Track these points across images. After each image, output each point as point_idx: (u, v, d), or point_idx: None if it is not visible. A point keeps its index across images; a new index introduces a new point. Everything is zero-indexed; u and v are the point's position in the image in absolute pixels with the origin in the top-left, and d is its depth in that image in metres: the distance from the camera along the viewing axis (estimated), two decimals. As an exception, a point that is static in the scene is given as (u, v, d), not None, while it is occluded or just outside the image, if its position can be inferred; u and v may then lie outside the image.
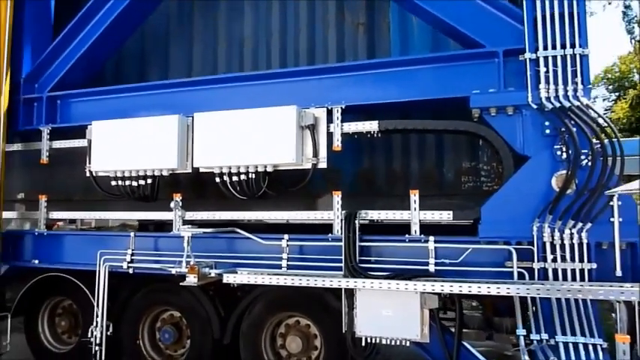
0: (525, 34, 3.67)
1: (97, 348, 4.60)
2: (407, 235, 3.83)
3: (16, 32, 5.16)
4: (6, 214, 5.11)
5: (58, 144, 5.09)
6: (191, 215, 4.46)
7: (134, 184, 4.52)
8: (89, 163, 4.69)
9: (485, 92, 3.76)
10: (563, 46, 3.57)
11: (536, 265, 3.48)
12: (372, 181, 4.88)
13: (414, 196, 3.88)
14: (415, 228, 3.84)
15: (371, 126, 4.05)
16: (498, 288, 3.33)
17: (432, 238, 3.73)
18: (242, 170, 4.12)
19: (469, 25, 3.92)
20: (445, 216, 3.82)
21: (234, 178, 4.16)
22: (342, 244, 3.83)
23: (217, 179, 4.22)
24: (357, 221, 3.86)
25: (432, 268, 3.69)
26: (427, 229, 3.86)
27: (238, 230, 4.17)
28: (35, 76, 5.23)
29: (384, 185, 4.87)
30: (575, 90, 3.51)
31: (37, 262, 5.02)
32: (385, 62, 4.17)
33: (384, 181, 4.89)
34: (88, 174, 4.73)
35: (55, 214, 5.14)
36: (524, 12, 3.71)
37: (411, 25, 4.83)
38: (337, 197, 4.04)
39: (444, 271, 3.68)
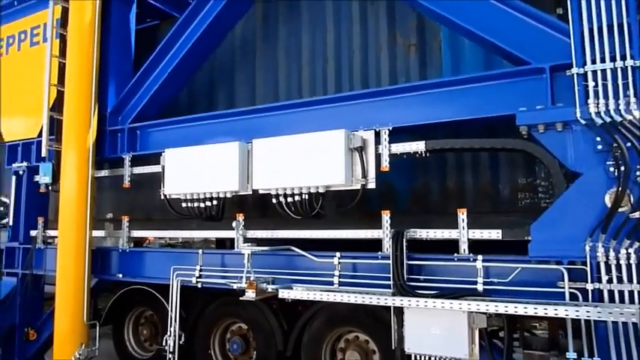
0: (572, 48, 3.59)
1: (170, 356, 5.03)
2: (455, 254, 3.86)
3: (103, 71, 5.82)
4: (95, 233, 5.73)
5: (138, 170, 5.65)
6: (252, 234, 4.77)
7: (202, 205, 4.92)
8: (163, 187, 5.17)
9: (532, 109, 3.72)
10: (613, 59, 3.45)
11: (589, 286, 3.36)
12: (426, 198, 4.94)
13: (462, 215, 3.89)
14: (464, 247, 3.85)
15: (418, 146, 4.13)
16: (546, 309, 3.27)
17: (480, 257, 3.72)
18: (296, 191, 4.37)
19: (513, 42, 3.90)
20: (494, 234, 3.80)
21: (290, 199, 4.41)
22: (391, 262, 3.93)
23: (274, 200, 4.50)
24: (404, 240, 3.95)
25: (480, 287, 3.68)
26: (484, 245, 3.85)
27: (293, 248, 4.41)
28: (119, 110, 5.86)
29: (437, 203, 4.91)
30: (627, 103, 3.37)
31: (121, 275, 5.58)
32: (428, 84, 4.24)
33: (437, 199, 4.93)
34: (162, 197, 5.21)
35: (136, 233, 5.69)
36: (570, 26, 3.63)
37: (462, 44, 4.85)
38: (386, 216, 4.15)
39: (492, 290, 3.66)
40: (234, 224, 4.73)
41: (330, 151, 4.20)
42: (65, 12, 5.76)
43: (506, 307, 3.36)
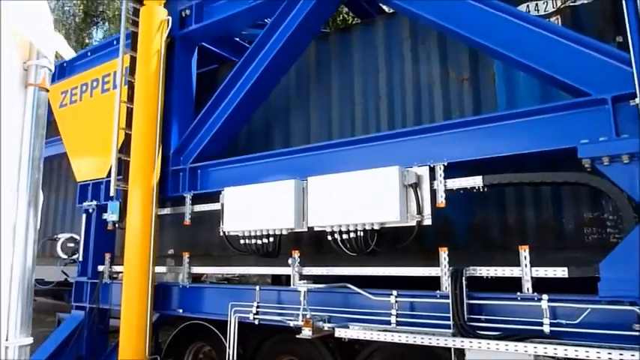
0: (635, 77, 3.46)
1: (227, 391, 5.06)
2: (519, 293, 3.71)
3: (166, 114, 6.16)
4: (158, 269, 5.95)
5: (199, 207, 5.86)
6: (307, 270, 4.80)
7: (259, 242, 5.02)
8: (222, 224, 5.32)
9: (594, 141, 3.59)
10: (680, 87, 3.31)
11: (668, 329, 3.14)
12: (485, 234, 4.80)
13: (524, 252, 3.76)
14: (527, 285, 3.70)
15: (475, 181, 4.07)
16: (622, 355, 3.06)
17: (545, 296, 3.55)
18: (351, 228, 4.38)
19: (571, 73, 3.81)
20: (560, 272, 3.63)
21: (345, 236, 4.43)
22: (450, 301, 3.83)
23: (329, 237, 4.53)
24: (464, 278, 3.85)
25: (546, 328, 3.50)
26: (548, 283, 3.69)
27: (349, 285, 4.39)
28: (181, 150, 6.14)
29: (497, 238, 4.76)
30: (700, 133, 3.20)
31: (181, 311, 5.73)
32: (483, 118, 4.19)
33: (498, 234, 4.78)
34: (221, 233, 5.36)
35: (196, 269, 5.85)
36: (631, 54, 3.52)
37: (517, 77, 4.79)
38: (444, 253, 4.07)
39: (560, 332, 3.48)
40: (290, 261, 4.79)
41: (385, 188, 4.21)
42: (133, 61, 6.19)
43: (576, 350, 3.18)
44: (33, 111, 1.46)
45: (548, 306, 3.52)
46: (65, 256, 7.21)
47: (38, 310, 12.95)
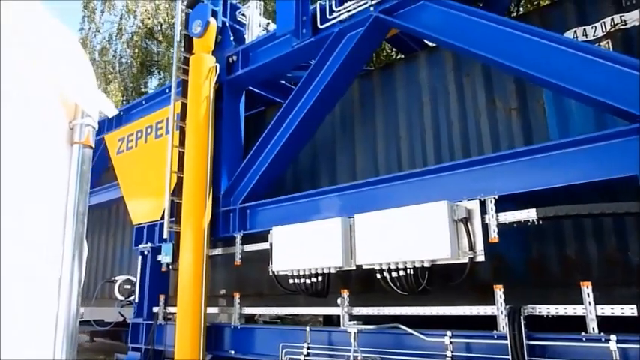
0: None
1: None
2: (583, 334, 3.47)
3: (216, 156, 6.36)
4: (210, 309, 6.00)
5: (248, 247, 5.92)
6: (357, 310, 4.70)
7: (307, 281, 4.99)
8: (271, 263, 5.35)
9: (656, 169, 3.38)
10: None
11: None
12: (543, 270, 4.57)
13: (587, 288, 3.52)
14: (592, 325, 3.45)
15: (528, 214, 3.91)
16: None
17: (613, 336, 3.30)
18: (400, 266, 4.28)
19: (626, 99, 3.63)
20: (628, 310, 3.37)
21: (394, 274, 4.33)
22: (508, 342, 3.63)
23: (378, 275, 4.45)
24: (522, 317, 3.65)
25: (616, 372, 3.25)
26: (616, 322, 3.43)
27: (401, 326, 4.25)
28: (230, 191, 6.28)
29: (557, 274, 4.52)
30: None
31: (233, 352, 5.72)
32: (535, 149, 4.04)
33: (557, 270, 4.55)
34: (270, 273, 5.38)
35: (247, 309, 5.86)
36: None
37: (568, 104, 4.64)
38: (499, 291, 3.89)
39: (633, 376, 3.21)
40: (339, 301, 4.71)
41: (434, 224, 4.11)
42: (184, 107, 6.48)
43: (652, 397, 2.91)
44: (78, 168, 1.54)
45: (618, 347, 3.27)
46: (122, 298, 7.42)
47: (97, 351, 13.35)
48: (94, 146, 1.58)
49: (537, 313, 3.70)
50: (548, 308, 3.67)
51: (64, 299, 1.43)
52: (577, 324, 3.54)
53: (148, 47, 19.42)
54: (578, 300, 3.55)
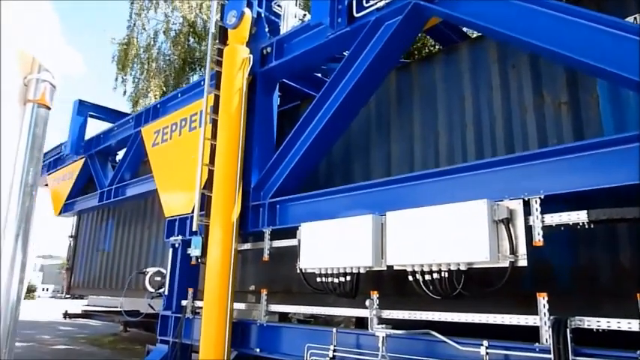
0: None
1: None
2: (639, 352, 3.09)
3: (247, 150, 6.21)
4: (237, 305, 5.87)
5: (277, 243, 5.74)
6: (387, 314, 4.43)
7: (335, 280, 4.77)
8: (299, 261, 5.15)
9: None
10: None
11: None
12: (593, 278, 4.17)
13: (644, 301, 3.15)
14: (650, 342, 3.08)
15: (578, 216, 3.54)
16: None
17: (674, 356, 2.93)
18: (434, 268, 3.99)
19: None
20: (693, 327, 2.98)
21: (427, 277, 4.05)
22: (552, 356, 3.28)
23: (410, 277, 4.17)
24: (568, 329, 3.30)
25: (679, 397, 2.86)
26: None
27: (433, 332, 3.96)
28: (261, 185, 6.12)
29: (609, 283, 4.11)
30: None
31: (258, 350, 5.55)
32: (587, 144, 3.66)
33: (609, 279, 4.13)
34: (298, 270, 5.18)
35: (273, 307, 5.68)
36: None
37: (626, 97, 4.22)
38: (543, 299, 3.54)
39: (698, 402, 2.82)
40: (367, 303, 4.46)
41: (472, 224, 3.80)
42: (217, 99, 6.37)
43: None
44: (30, 130, 1.36)
45: (680, 369, 2.88)
46: (152, 290, 7.42)
47: (134, 341, 13.56)
48: (51, 107, 1.40)
49: (586, 327, 3.33)
50: (598, 321, 3.30)
51: (4, 286, 1.25)
52: (627, 340, 3.17)
53: (190, 45, 19.63)
54: (633, 313, 3.17)
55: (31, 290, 48.79)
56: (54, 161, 12.59)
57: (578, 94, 4.61)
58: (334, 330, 4.76)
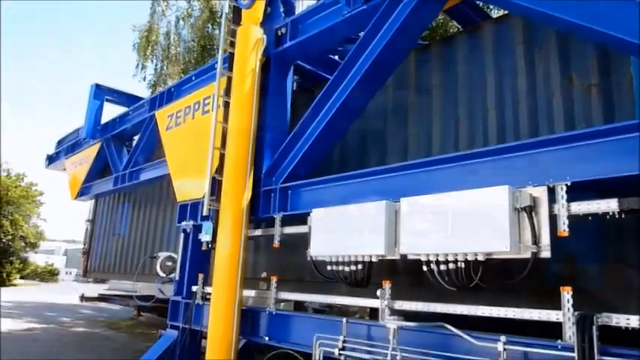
0: None
1: None
2: (672, 352, 2.84)
3: (260, 133, 6.03)
4: (246, 292, 5.73)
5: (288, 230, 5.56)
6: (399, 305, 4.22)
7: (346, 269, 4.58)
8: (310, 248, 4.96)
9: None
10: None
11: None
12: (622, 273, 3.89)
13: (680, 299, 2.89)
14: (685, 342, 2.82)
15: (608, 205, 3.26)
16: None
17: None
18: (450, 258, 3.77)
19: None
20: None
21: (442, 267, 3.83)
22: (575, 355, 3.05)
23: (424, 267, 3.95)
24: (594, 327, 3.05)
25: None
26: None
27: (447, 326, 3.74)
28: (272, 170, 5.93)
29: (638, 279, 3.83)
30: None
31: (267, 339, 5.41)
32: (618, 127, 3.36)
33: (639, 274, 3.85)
34: (308, 258, 5.00)
35: (283, 295, 5.51)
36: None
37: (663, 78, 3.91)
38: (567, 294, 3.28)
39: None
40: (378, 292, 4.25)
41: (492, 212, 3.55)
42: (229, 81, 6.19)
43: None
44: None
45: None
46: (163, 274, 7.34)
47: (150, 326, 13.62)
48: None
49: (614, 324, 3.08)
50: (628, 319, 3.04)
51: None
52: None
53: (209, 31, 19.51)
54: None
55: (54, 273, 49.79)
56: (71, 145, 12.63)
57: (610, 76, 4.30)
58: (344, 320, 4.58)
